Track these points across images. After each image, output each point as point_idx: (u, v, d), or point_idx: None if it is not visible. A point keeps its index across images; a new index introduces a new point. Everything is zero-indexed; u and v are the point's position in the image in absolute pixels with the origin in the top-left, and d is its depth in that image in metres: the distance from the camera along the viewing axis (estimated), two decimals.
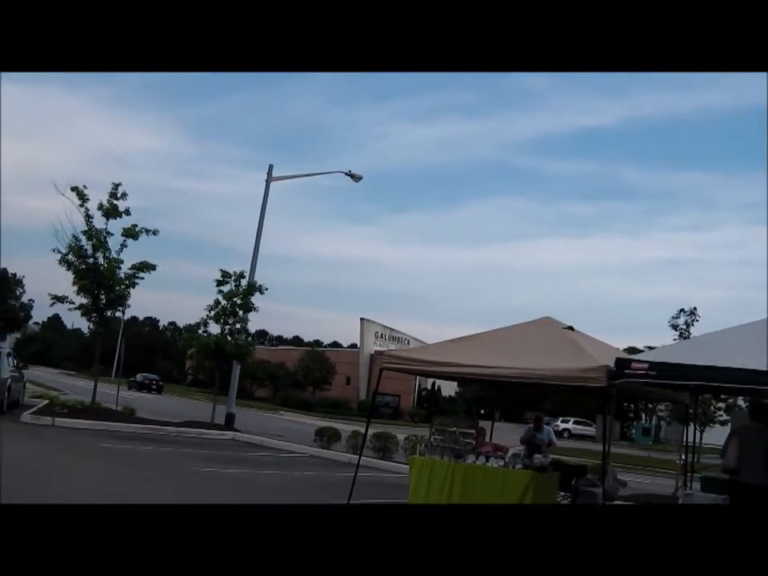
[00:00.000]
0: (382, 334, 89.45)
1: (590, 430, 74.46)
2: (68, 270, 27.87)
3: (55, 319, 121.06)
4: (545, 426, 18.20)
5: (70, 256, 27.83)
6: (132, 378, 70.01)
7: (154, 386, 70.82)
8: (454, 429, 16.68)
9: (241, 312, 32.74)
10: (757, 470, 12.72)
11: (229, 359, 33.30)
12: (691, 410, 19.53)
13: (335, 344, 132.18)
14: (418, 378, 73.42)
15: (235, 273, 32.85)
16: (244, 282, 32.85)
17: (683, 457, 17.75)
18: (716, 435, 14.43)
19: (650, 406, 73.24)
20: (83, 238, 28.01)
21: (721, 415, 38.99)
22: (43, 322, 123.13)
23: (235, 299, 32.53)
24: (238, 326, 33.02)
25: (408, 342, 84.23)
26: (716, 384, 13.66)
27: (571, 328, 16.15)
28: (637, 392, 16.96)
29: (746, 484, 12.77)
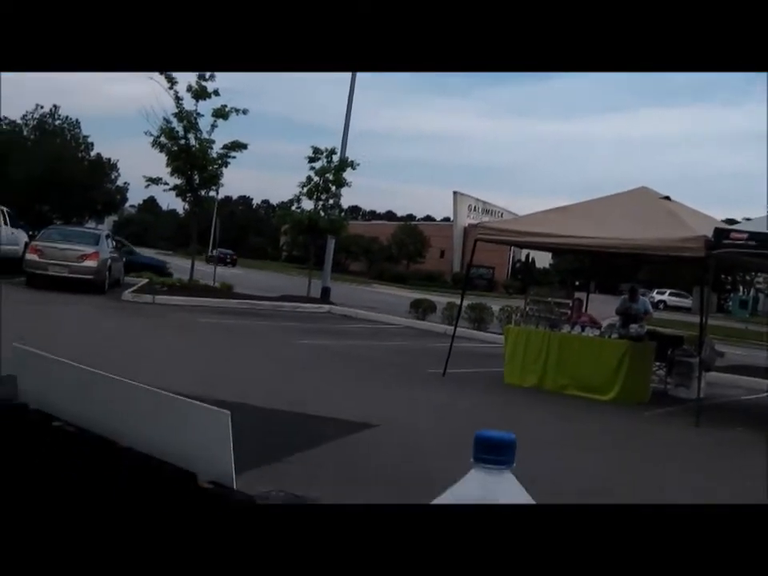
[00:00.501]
0: (475, 207, 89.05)
1: (686, 302, 73.74)
2: (161, 152, 28.23)
3: (151, 201, 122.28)
4: (640, 297, 18.13)
5: (162, 138, 28.15)
6: (210, 254, 71.58)
7: (228, 260, 73.18)
8: (550, 299, 16.75)
9: (333, 188, 32.78)
10: None
11: (323, 234, 33.50)
12: None
13: (428, 218, 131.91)
14: (512, 250, 73.21)
15: (327, 149, 32.78)
16: (336, 158, 32.81)
17: None
18: None
19: (747, 277, 72.16)
20: (174, 120, 28.29)
21: None
22: (139, 204, 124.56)
23: (327, 175, 32.56)
24: (330, 201, 33.10)
25: (501, 215, 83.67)
26: None
27: (668, 198, 15.96)
28: (735, 263, 16.81)
29: None
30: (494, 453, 1.40)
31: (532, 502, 1.44)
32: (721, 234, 13.20)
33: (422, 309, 29.04)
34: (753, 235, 12.96)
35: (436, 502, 1.43)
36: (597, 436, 11.59)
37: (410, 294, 41.09)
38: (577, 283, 43.36)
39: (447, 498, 1.43)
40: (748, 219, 15.21)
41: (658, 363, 16.60)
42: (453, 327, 17.74)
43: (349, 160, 33.04)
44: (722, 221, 17.52)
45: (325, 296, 32.82)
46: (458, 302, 18.37)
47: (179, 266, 38.79)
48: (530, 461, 8.30)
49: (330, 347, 18.90)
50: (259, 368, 14.42)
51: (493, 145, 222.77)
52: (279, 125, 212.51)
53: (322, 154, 32.69)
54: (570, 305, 16.54)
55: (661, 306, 70.45)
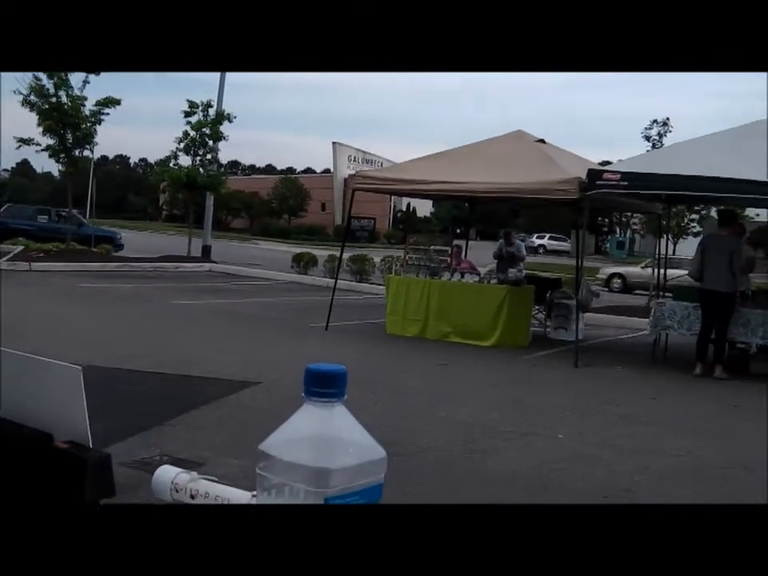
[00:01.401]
0: (354, 158, 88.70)
1: (565, 246, 74.94)
2: (31, 111, 27.32)
3: (24, 164, 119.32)
4: (516, 241, 18.30)
5: (32, 97, 27.23)
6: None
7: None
8: (429, 247, 16.75)
9: (211, 142, 32.24)
10: (718, 277, 12.98)
11: (202, 191, 33.01)
12: (664, 222, 19.63)
13: (309, 170, 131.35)
14: (392, 199, 73.29)
15: (202, 102, 32.14)
16: (212, 112, 32.22)
17: (656, 269, 17.94)
18: (690, 247, 14.62)
19: (624, 219, 73.68)
20: (44, 77, 27.35)
21: (694, 227, 39.28)
22: (12, 168, 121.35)
23: (204, 129, 31.98)
24: (208, 156, 32.59)
25: (381, 164, 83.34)
26: (687, 193, 13.69)
27: (543, 141, 16.05)
28: (610, 204, 17.03)
29: (709, 291, 13.06)
30: (324, 386, 1.34)
31: (365, 433, 1.37)
32: (594, 175, 13.31)
33: (303, 263, 28.90)
34: (625, 175, 13.11)
35: (269, 440, 1.36)
36: (476, 381, 11.63)
37: (292, 249, 40.89)
38: (458, 231, 43.65)
39: (280, 434, 1.35)
40: (621, 161, 15.41)
41: (537, 307, 16.79)
42: (334, 280, 17.63)
43: (225, 113, 32.41)
44: (599, 163, 17.71)
45: (206, 254, 32.37)
46: (342, 254, 18.27)
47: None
48: (412, 408, 8.29)
49: (211, 306, 18.64)
50: (140, 330, 14.12)
51: (372, 94, 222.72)
52: (153, 78, 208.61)
53: (197, 107, 32.02)
54: (450, 252, 16.55)
55: (541, 250, 71.65)
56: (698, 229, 37.18)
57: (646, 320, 14.77)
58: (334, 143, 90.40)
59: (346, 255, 20.03)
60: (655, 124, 44.55)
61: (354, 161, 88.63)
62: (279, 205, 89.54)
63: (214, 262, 31.02)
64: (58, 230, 31.07)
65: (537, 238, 75.37)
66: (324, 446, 1.29)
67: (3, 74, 16.69)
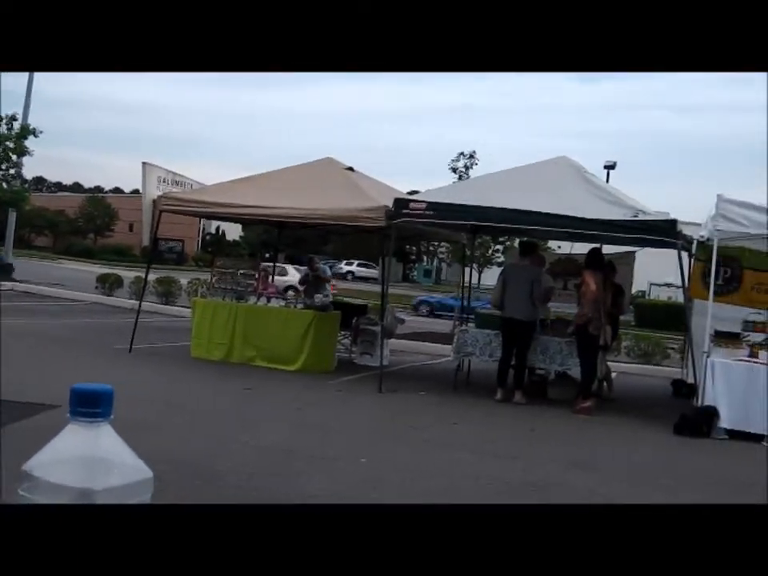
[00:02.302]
0: (164, 179, 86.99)
1: (373, 272, 75.73)
2: None
3: None
4: (320, 266, 18.37)
5: None
6: None
7: None
8: (236, 270, 16.60)
9: (14, 157, 31.16)
10: (518, 305, 13.41)
11: (4, 206, 31.84)
12: (469, 251, 20.07)
13: (117, 190, 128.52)
14: (202, 222, 72.61)
15: (7, 115, 31.05)
16: (17, 125, 31.14)
17: (461, 296, 18.31)
18: (495, 275, 15.12)
19: (431, 248, 75.17)
20: None
21: (499, 256, 40.37)
22: None
23: (7, 143, 30.85)
24: (11, 171, 31.46)
25: (191, 186, 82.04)
26: (491, 223, 14.04)
27: (351, 169, 16.18)
28: (417, 232, 17.29)
29: (509, 319, 13.46)
30: (89, 405, 1.27)
31: (131, 454, 1.31)
32: (401, 204, 13.50)
33: (108, 284, 28.22)
34: (431, 205, 13.34)
35: (32, 460, 1.29)
36: (280, 405, 11.56)
37: (98, 269, 39.85)
38: (267, 255, 43.51)
39: (45, 454, 1.28)
40: (429, 190, 15.70)
41: (343, 332, 16.86)
42: (139, 302, 17.26)
43: (31, 127, 31.35)
44: (408, 192, 17.96)
45: (6, 272, 31.12)
46: (147, 275, 17.89)
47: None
48: (214, 432, 8.13)
49: (10, 327, 17.87)
50: None
51: (185, 115, 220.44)
52: None
53: (1, 120, 30.90)
54: (257, 276, 16.45)
55: (349, 276, 72.16)
56: (502, 258, 38.27)
57: (450, 346, 15.04)
58: (143, 163, 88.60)
59: (152, 277, 19.65)
60: (462, 156, 45.51)
61: (164, 182, 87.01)
62: (86, 224, 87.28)
63: (16, 281, 29.87)
64: None
65: (346, 264, 75.96)
66: (89, 466, 1.24)
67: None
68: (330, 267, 22.08)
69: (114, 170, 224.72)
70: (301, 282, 17.65)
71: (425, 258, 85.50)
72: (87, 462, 1.21)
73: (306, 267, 18.17)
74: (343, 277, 67.65)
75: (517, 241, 20.58)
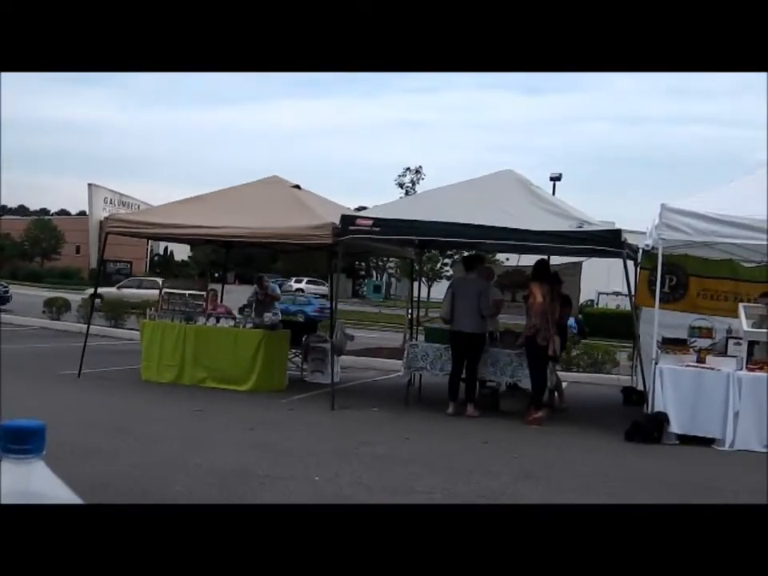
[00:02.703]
0: (111, 200, 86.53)
1: (323, 289, 75.61)
2: None
3: None
4: (269, 284, 18.30)
5: None
6: None
7: None
8: (184, 292, 16.49)
9: None
10: (466, 319, 13.47)
11: None
12: (417, 266, 20.10)
13: (63, 212, 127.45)
14: (149, 243, 72.11)
15: None
16: None
17: (410, 311, 18.34)
18: (444, 289, 15.23)
19: (380, 263, 75.26)
20: None
21: (447, 270, 40.48)
22: None
23: None
24: None
25: (138, 206, 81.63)
26: (437, 238, 14.10)
27: (298, 187, 16.17)
28: (365, 248, 17.30)
29: (458, 332, 13.51)
30: (21, 442, 1.27)
31: (66, 489, 1.32)
32: (347, 220, 13.51)
33: (56, 307, 27.92)
34: (377, 221, 13.35)
35: None
36: (232, 426, 11.49)
37: (45, 293, 39.43)
38: (216, 275, 43.33)
39: None
40: (376, 206, 15.73)
41: (293, 350, 16.81)
42: (87, 326, 17.08)
43: None
44: (355, 209, 17.97)
45: None
46: (94, 298, 17.75)
47: None
48: (166, 455, 8.06)
49: None
50: None
51: (133, 135, 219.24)
52: None
53: None
54: (206, 296, 16.35)
55: (299, 294, 71.91)
56: (451, 272, 38.40)
57: (401, 361, 15.04)
58: (89, 185, 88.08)
59: (102, 295, 19.42)
60: (408, 171, 45.65)
61: (111, 203, 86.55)
62: (32, 247, 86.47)
63: None
64: None
65: (295, 282, 75.63)
66: (21, 502, 1.23)
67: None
68: (280, 285, 21.97)
69: (59, 192, 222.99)
70: (250, 302, 17.56)
71: (374, 273, 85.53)
72: (19, 498, 1.21)
73: (255, 285, 18.08)
74: (293, 294, 67.44)
75: (465, 253, 20.68)
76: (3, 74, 6.47)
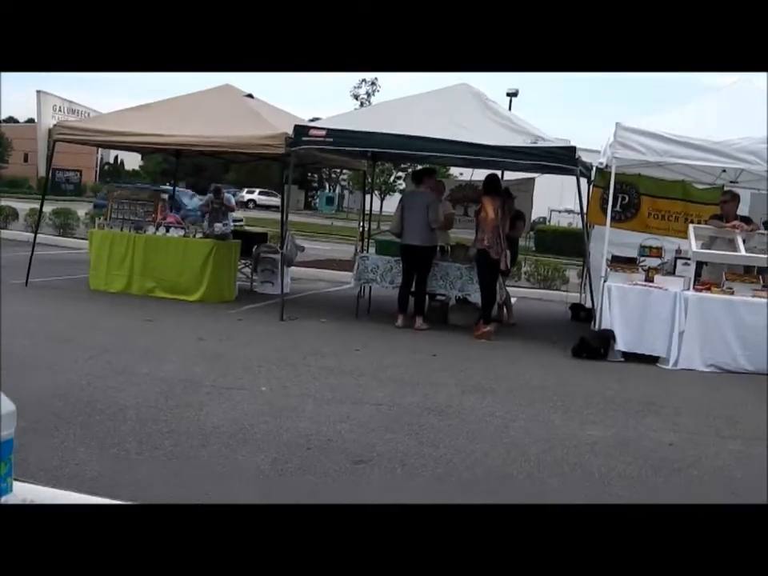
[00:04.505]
0: (60, 107, 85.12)
1: (275, 200, 75.12)
2: None
3: None
4: (225, 195, 18.13)
5: None
6: None
7: None
8: (133, 200, 16.30)
9: None
10: (416, 232, 13.48)
11: None
12: (369, 179, 19.99)
13: (11, 119, 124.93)
14: (100, 152, 71.06)
15: None
16: None
17: (362, 224, 18.27)
18: (396, 203, 15.19)
19: (333, 175, 74.87)
20: None
21: (400, 184, 40.38)
22: None
23: None
24: None
25: (88, 115, 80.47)
26: (390, 150, 13.99)
27: (251, 96, 15.93)
28: (318, 160, 17.13)
29: (408, 245, 13.52)
30: None
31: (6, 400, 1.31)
32: (300, 131, 13.35)
33: (3, 216, 27.49)
34: (331, 132, 13.21)
35: None
36: (180, 336, 11.45)
37: None
38: (167, 184, 42.83)
39: None
40: (330, 117, 15.53)
41: (243, 261, 16.74)
42: (34, 234, 16.87)
43: None
44: (308, 119, 17.76)
45: None
46: (42, 207, 17.50)
47: None
48: (114, 365, 8.01)
49: None
50: None
51: None
52: None
53: None
54: (155, 206, 16.17)
55: (251, 204, 71.51)
56: (404, 186, 38.30)
57: (351, 273, 15.03)
58: (38, 92, 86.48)
59: (48, 208, 19.18)
60: (364, 83, 45.27)
61: (60, 111, 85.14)
62: None
63: None
64: None
65: (247, 192, 75.07)
66: None
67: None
68: (233, 195, 21.78)
69: (7, 99, 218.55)
70: (202, 211, 17.39)
71: (327, 185, 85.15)
72: None
73: (209, 195, 17.89)
74: (245, 205, 67.01)
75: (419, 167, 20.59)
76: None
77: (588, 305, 14.30)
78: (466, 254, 13.87)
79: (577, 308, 16.19)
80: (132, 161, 78.39)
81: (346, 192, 78.99)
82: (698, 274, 12.40)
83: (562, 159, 12.49)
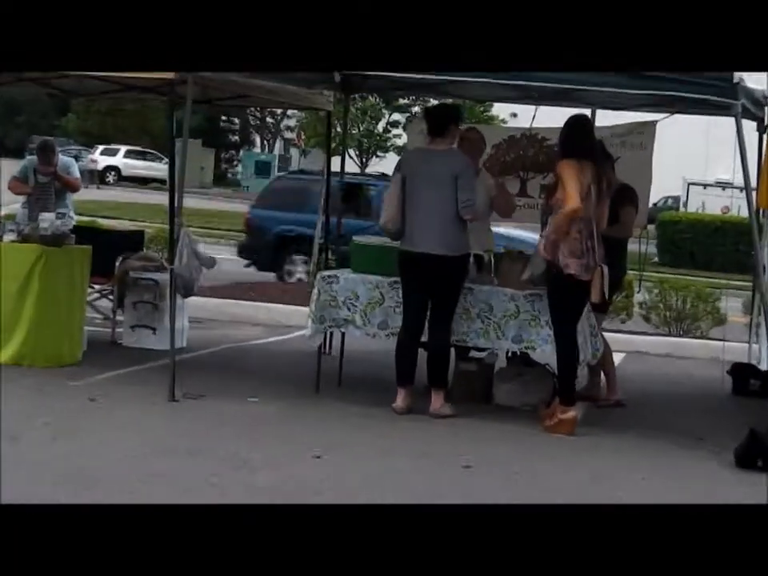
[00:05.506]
0: None
1: (157, 169, 75.92)
2: None
3: None
4: (60, 159, 17.94)
5: None
6: None
7: None
8: None
9: None
10: (430, 230, 13.23)
11: None
12: (339, 125, 20.20)
13: None
14: None
15: None
16: None
17: (325, 212, 18.34)
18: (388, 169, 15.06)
19: (268, 121, 75.49)
20: None
21: (397, 135, 40.77)
22: None
23: None
24: None
25: None
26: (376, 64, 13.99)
27: None
28: (236, 90, 17.09)
29: (416, 254, 13.34)
30: None
31: None
32: None
33: None
34: None
35: None
36: None
37: None
38: None
39: None
40: None
41: (99, 284, 16.56)
42: None
43: None
44: None
45: None
46: None
47: None
48: None
49: None
50: None
51: None
52: None
53: None
54: None
55: (110, 176, 72.10)
56: (404, 139, 38.73)
57: (306, 309, 14.91)
58: None
59: None
60: None
61: None
62: None
63: None
64: None
65: (103, 153, 75.57)
66: None
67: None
68: (76, 159, 21.55)
69: None
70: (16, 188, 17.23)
71: (258, 139, 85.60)
72: None
73: (31, 159, 17.75)
74: (101, 177, 67.26)
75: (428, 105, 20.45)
76: None
77: (765, 366, 14.18)
78: (525, 272, 13.57)
79: (743, 371, 16.07)
80: None
81: (293, 152, 79.32)
82: None
83: (710, 87, 12.22)
